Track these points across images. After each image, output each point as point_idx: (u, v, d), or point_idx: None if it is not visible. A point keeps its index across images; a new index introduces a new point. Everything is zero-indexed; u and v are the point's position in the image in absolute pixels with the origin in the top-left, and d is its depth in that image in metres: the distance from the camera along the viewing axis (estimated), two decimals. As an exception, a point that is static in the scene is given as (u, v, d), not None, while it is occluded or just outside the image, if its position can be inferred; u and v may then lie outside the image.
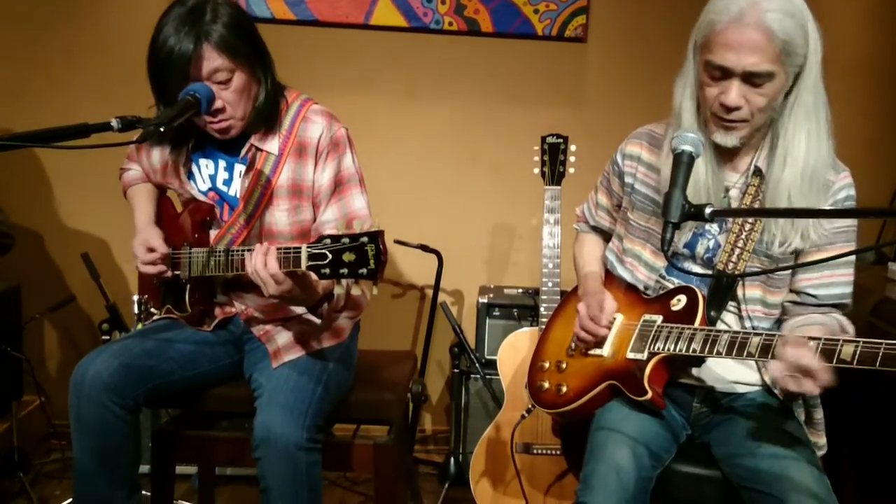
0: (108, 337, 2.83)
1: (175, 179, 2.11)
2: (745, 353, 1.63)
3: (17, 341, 2.99)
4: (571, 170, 2.59)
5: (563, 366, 1.98)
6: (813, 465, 1.65)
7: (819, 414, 1.85)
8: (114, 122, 1.58)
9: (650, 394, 1.75)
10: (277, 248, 1.76)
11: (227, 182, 2.08)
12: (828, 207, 1.78)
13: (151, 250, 2.03)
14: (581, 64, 3.27)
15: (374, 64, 3.23)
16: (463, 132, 3.30)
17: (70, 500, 2.03)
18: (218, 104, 1.90)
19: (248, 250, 1.82)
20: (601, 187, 2.14)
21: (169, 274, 2.07)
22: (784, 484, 1.61)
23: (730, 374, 1.86)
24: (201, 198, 2.09)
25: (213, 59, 1.86)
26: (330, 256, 1.66)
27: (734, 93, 1.67)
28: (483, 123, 3.30)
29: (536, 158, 2.60)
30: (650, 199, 1.94)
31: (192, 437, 2.17)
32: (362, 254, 1.63)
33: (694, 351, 1.71)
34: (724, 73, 1.68)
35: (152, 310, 2.21)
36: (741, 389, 1.87)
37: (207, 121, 1.94)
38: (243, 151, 2.03)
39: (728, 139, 1.74)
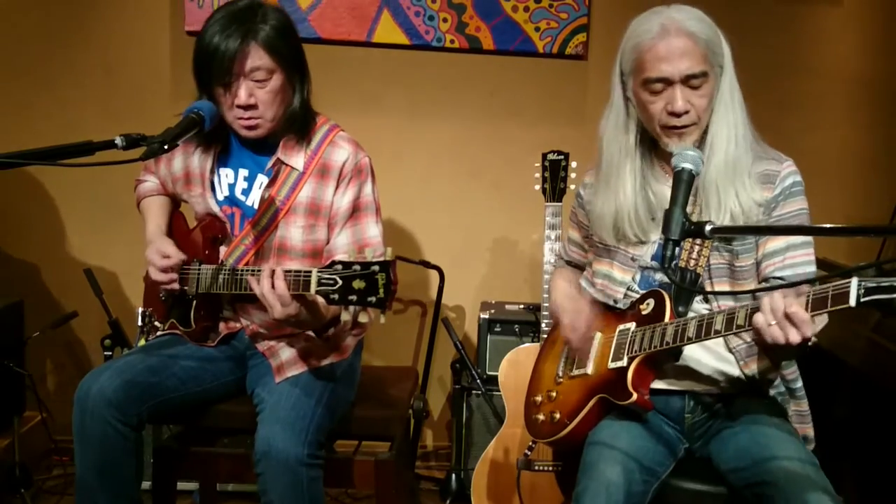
0: (110, 353, 2.83)
1: (198, 186, 2.12)
2: (712, 332, 1.69)
3: (20, 357, 3.00)
4: (572, 186, 2.59)
5: (554, 394, 2.03)
6: (807, 462, 1.69)
7: (804, 406, 1.91)
8: (118, 140, 1.60)
9: (635, 396, 1.79)
10: (287, 271, 1.77)
11: (246, 192, 2.09)
12: (775, 199, 1.85)
13: (166, 257, 2.03)
14: (582, 81, 3.29)
15: (376, 81, 3.25)
16: (464, 149, 3.32)
17: (71, 516, 2.03)
18: (251, 101, 1.93)
19: (257, 271, 1.83)
20: (571, 223, 2.22)
21: (176, 287, 2.08)
22: (781, 474, 1.66)
23: (712, 374, 1.90)
24: (216, 209, 2.10)
25: (257, 57, 1.90)
26: (340, 282, 1.67)
27: (679, 99, 1.80)
28: (484, 140, 3.31)
29: (537, 175, 2.62)
30: None
31: (193, 454, 2.17)
32: (372, 282, 1.65)
33: (667, 343, 1.77)
34: (666, 84, 1.80)
35: (156, 323, 2.21)
36: (729, 390, 1.90)
37: (237, 116, 1.96)
38: (269, 164, 2.05)
39: (683, 146, 1.81)
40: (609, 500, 1.68)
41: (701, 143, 1.86)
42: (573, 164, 2.60)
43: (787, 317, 1.52)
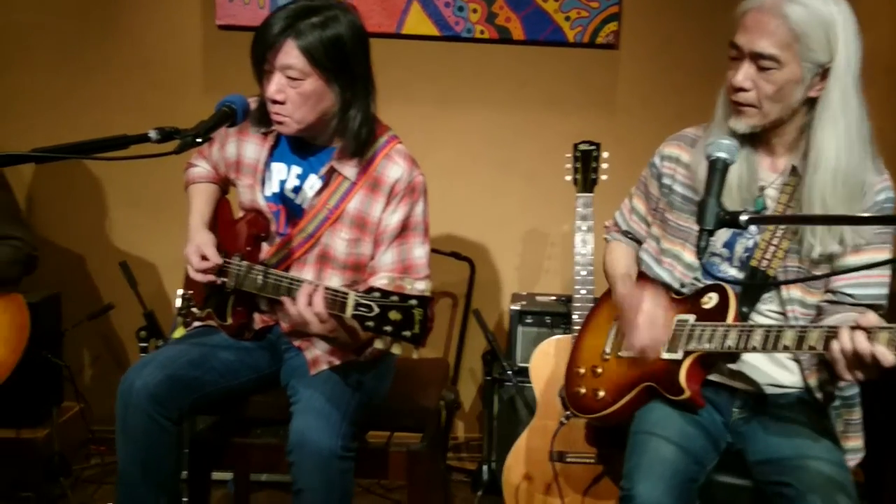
0: (145, 344, 2.86)
1: (248, 177, 2.11)
2: (780, 347, 1.63)
3: (58, 348, 3.05)
4: (604, 177, 2.57)
5: (599, 371, 2.00)
6: (835, 464, 1.66)
7: (856, 415, 1.85)
8: (152, 134, 1.61)
9: (688, 392, 1.75)
10: (326, 289, 1.76)
11: (296, 190, 2.08)
12: (865, 211, 1.78)
13: (205, 258, 2.03)
14: (613, 71, 3.27)
15: (406, 73, 3.25)
16: (495, 140, 3.31)
17: (109, 504, 2.06)
18: (279, 96, 1.91)
19: (296, 280, 1.83)
20: (637, 193, 2.14)
21: (217, 280, 2.08)
22: (803, 475, 1.63)
23: (767, 378, 1.85)
24: (262, 203, 2.08)
25: (291, 55, 1.87)
26: (377, 310, 1.65)
27: (741, 73, 1.74)
28: (515, 131, 3.30)
29: (569, 165, 2.60)
30: (689, 200, 1.95)
31: (228, 444, 2.20)
32: (409, 316, 1.63)
33: (729, 348, 1.72)
34: (739, 54, 1.75)
35: (194, 309, 2.19)
36: (780, 392, 1.86)
37: (270, 107, 1.95)
38: (322, 170, 2.03)
39: (738, 124, 1.78)
40: (665, 471, 1.66)
41: (807, 152, 1.79)
42: (605, 154, 2.58)
43: (873, 357, 1.49)
